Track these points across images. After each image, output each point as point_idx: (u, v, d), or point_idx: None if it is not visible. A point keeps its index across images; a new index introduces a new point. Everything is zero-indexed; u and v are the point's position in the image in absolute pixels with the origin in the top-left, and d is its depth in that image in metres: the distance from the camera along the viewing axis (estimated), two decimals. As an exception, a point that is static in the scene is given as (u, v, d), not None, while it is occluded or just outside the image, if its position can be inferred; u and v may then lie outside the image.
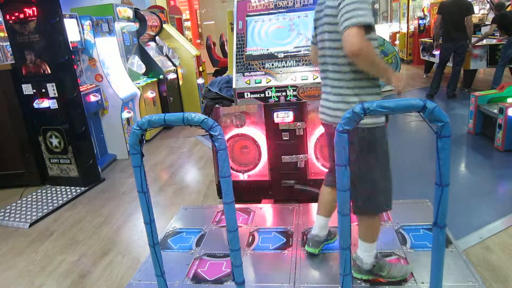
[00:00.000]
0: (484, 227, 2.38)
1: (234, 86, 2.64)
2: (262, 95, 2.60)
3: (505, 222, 2.42)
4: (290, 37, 2.68)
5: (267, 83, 2.60)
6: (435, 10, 7.63)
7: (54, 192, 3.61)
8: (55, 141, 3.62)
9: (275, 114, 2.64)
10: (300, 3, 2.73)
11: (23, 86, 3.50)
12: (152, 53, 5.68)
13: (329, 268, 2.01)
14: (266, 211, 2.75)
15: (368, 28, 1.54)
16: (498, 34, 6.02)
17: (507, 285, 1.88)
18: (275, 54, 2.67)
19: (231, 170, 2.42)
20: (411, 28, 10.02)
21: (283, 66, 2.62)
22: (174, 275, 2.01)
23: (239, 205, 2.54)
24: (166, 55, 6.07)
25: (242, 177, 2.88)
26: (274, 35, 2.72)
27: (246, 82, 2.64)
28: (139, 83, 5.00)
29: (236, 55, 2.72)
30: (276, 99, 2.60)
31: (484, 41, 6.18)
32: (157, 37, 6.09)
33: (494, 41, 6.12)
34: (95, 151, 3.97)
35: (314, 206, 2.67)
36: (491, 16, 7.73)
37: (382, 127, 1.68)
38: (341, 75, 1.69)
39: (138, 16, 5.41)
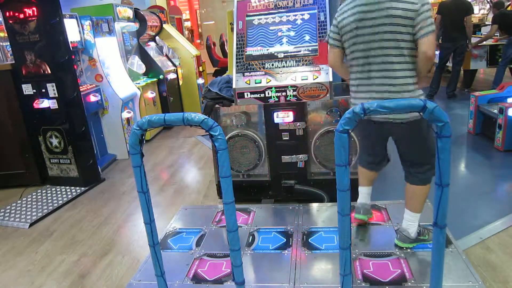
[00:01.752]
0: (484, 227, 2.38)
1: (234, 86, 2.64)
2: (262, 95, 2.60)
3: (505, 222, 2.42)
4: (290, 37, 2.68)
5: (267, 83, 2.60)
6: (435, 10, 7.63)
7: (54, 192, 3.61)
8: (55, 141, 3.62)
9: (275, 114, 2.64)
10: (300, 3, 2.73)
11: (23, 86, 3.50)
12: (152, 53, 5.68)
13: (329, 268, 2.01)
14: (266, 211, 2.74)
15: None
16: (498, 34, 6.02)
17: (507, 285, 1.88)
18: (275, 54, 2.67)
19: (231, 170, 2.42)
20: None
21: (283, 66, 2.62)
22: (174, 275, 2.01)
23: (239, 205, 2.54)
24: (166, 55, 6.07)
25: (242, 177, 2.88)
26: (274, 35, 2.72)
27: (246, 82, 2.64)
28: (139, 83, 5.00)
29: (236, 55, 2.72)
30: (276, 99, 2.60)
31: (482, 38, 6.18)
32: (157, 37, 6.09)
33: (491, 41, 6.12)
34: (95, 151, 3.97)
35: (314, 206, 2.68)
36: (491, 16, 7.73)
37: None
38: (404, 73, 1.88)
39: (138, 16, 5.41)
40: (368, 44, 1.93)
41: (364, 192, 2.33)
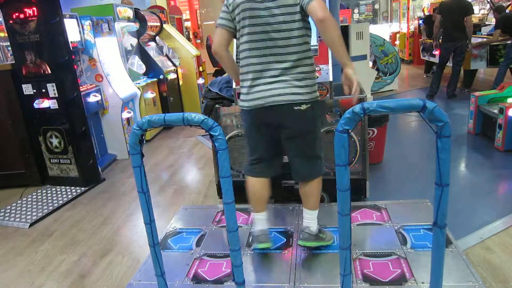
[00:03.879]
0: (484, 227, 2.38)
1: (234, 86, 2.64)
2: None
3: (505, 222, 2.42)
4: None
5: (267, 83, 2.59)
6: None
7: (54, 192, 3.61)
8: (55, 141, 3.63)
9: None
10: (300, 3, 2.72)
11: (23, 86, 3.50)
12: (152, 53, 5.68)
13: (329, 268, 2.01)
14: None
15: None
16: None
17: (507, 285, 1.88)
18: (275, 54, 2.66)
19: (231, 170, 2.42)
20: (411, 28, 10.03)
21: (283, 66, 2.62)
22: (174, 275, 2.01)
23: (239, 205, 2.53)
24: (166, 55, 6.07)
25: (242, 177, 2.87)
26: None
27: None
28: (139, 83, 5.00)
29: (236, 55, 2.72)
30: (276, 99, 2.59)
31: (484, 41, 6.18)
32: (157, 37, 6.09)
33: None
34: (95, 151, 3.97)
35: (314, 206, 2.67)
36: (491, 16, 7.72)
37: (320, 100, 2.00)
38: (298, 56, 1.83)
39: (138, 16, 5.42)
40: (260, 28, 1.82)
41: (260, 218, 2.13)
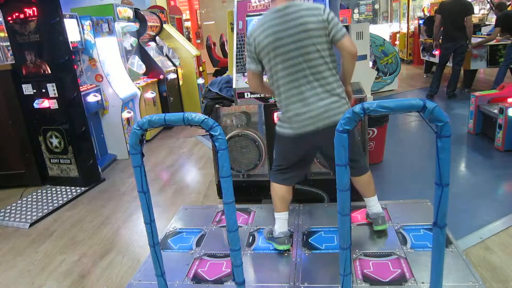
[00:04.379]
0: (484, 227, 2.38)
1: (234, 86, 2.64)
2: (262, 95, 2.59)
3: (505, 222, 2.42)
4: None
5: (267, 83, 2.59)
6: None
7: (54, 192, 3.61)
8: (55, 141, 3.63)
9: (275, 114, 2.64)
10: (300, 3, 2.72)
11: (23, 86, 3.50)
12: (152, 53, 5.68)
13: (329, 268, 2.01)
14: (266, 211, 2.74)
15: None
16: (499, 34, 6.00)
17: (507, 285, 1.88)
18: (275, 54, 2.67)
19: (231, 170, 2.42)
20: (411, 28, 10.03)
21: (283, 66, 2.62)
22: (174, 275, 2.01)
23: (239, 205, 2.54)
24: (166, 55, 6.07)
25: (242, 177, 2.88)
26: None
27: (246, 82, 2.63)
28: (139, 83, 5.00)
29: (236, 55, 2.72)
30: (276, 99, 2.59)
31: (483, 40, 6.17)
32: (157, 37, 6.09)
33: (492, 41, 6.12)
34: (95, 151, 3.97)
35: (315, 206, 2.68)
36: (491, 16, 7.71)
37: None
38: (334, 78, 1.95)
39: (138, 16, 5.42)
40: (293, 61, 1.90)
41: (282, 218, 2.19)
